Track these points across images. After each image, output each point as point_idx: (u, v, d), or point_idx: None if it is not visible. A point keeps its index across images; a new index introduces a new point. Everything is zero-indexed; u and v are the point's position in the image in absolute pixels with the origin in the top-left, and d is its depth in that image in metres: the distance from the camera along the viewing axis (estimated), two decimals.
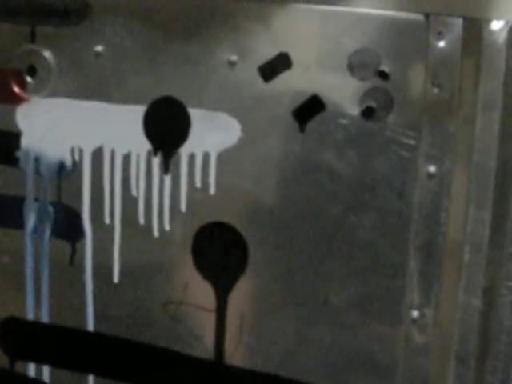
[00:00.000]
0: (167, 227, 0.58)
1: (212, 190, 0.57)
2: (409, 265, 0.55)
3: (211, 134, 0.56)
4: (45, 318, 0.64)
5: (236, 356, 0.58)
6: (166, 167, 0.58)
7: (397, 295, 0.55)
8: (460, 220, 0.54)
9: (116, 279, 0.61)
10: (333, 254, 0.55)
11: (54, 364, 0.65)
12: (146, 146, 0.58)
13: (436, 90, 0.53)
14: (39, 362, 0.65)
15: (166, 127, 0.57)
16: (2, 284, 0.65)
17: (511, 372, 0.55)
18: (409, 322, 0.55)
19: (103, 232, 0.60)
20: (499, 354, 0.55)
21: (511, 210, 0.54)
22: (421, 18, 0.53)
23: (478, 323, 0.55)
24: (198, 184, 0.57)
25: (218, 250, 0.57)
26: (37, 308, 0.64)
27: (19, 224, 0.63)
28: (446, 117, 0.53)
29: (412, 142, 0.53)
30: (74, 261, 0.62)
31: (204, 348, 0.59)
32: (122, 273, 0.60)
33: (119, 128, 0.58)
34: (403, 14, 0.53)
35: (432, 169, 0.54)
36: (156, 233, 0.59)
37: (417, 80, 0.53)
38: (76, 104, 0.59)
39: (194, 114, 0.56)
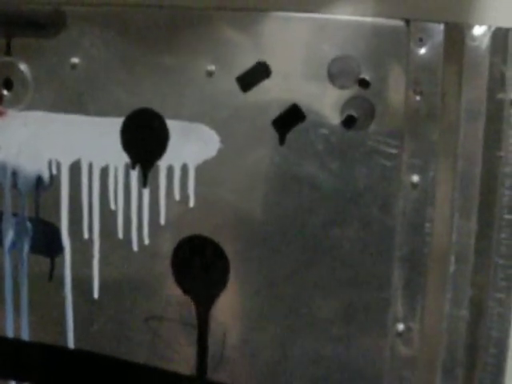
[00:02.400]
0: (146, 241, 0.57)
1: (191, 203, 0.56)
2: (393, 276, 0.54)
3: (190, 145, 0.55)
4: (25, 335, 0.63)
5: (218, 371, 0.57)
6: (144, 180, 0.57)
7: (382, 308, 0.54)
8: (445, 230, 0.53)
9: (96, 294, 0.59)
10: (316, 266, 0.54)
11: (35, 382, 0.63)
12: (123, 158, 0.57)
13: (418, 98, 0.52)
14: (20, 380, 0.64)
15: (144, 139, 0.56)
16: None
17: None
18: (394, 334, 0.54)
19: (82, 246, 0.59)
20: (487, 366, 0.54)
21: (497, 219, 0.53)
22: (401, 24, 0.52)
23: (465, 335, 0.54)
24: (177, 197, 0.56)
25: (199, 264, 0.56)
26: (16, 324, 0.63)
27: None
28: (429, 125, 0.52)
29: (394, 150, 0.52)
30: (53, 276, 0.60)
31: (186, 364, 0.58)
32: (101, 288, 0.59)
33: (97, 141, 0.57)
34: (383, 21, 0.52)
35: (415, 178, 0.53)
36: (135, 247, 0.58)
37: (398, 88, 0.52)
38: (53, 117, 0.58)
39: (173, 125, 0.55)
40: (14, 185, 0.60)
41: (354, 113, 0.53)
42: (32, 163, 0.59)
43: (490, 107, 0.52)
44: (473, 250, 0.53)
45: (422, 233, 0.53)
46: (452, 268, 0.53)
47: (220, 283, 0.56)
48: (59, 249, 0.60)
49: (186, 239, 0.56)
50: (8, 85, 0.59)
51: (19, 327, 0.62)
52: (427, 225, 0.53)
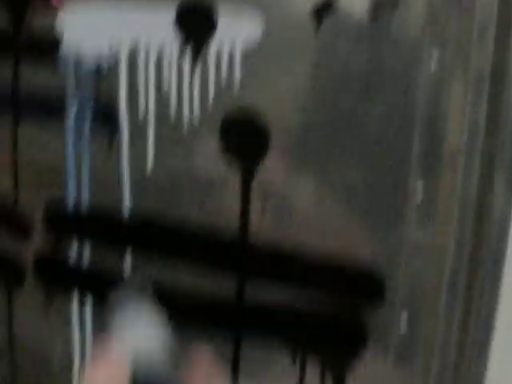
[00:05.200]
0: (197, 116, 0.65)
1: (237, 82, 0.63)
2: (413, 150, 0.61)
3: (237, 29, 0.62)
4: (86, 202, 0.71)
5: (259, 235, 0.65)
6: (195, 62, 0.64)
7: (402, 177, 0.61)
8: (459, 108, 0.60)
9: (150, 165, 0.67)
10: (346, 140, 0.62)
11: (95, 243, 0.72)
12: (177, 43, 0.64)
13: None
14: (80, 241, 0.73)
15: (196, 22, 0.63)
16: (46, 172, 0.73)
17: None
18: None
19: (138, 125, 0.67)
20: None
21: (505, 103, 0.60)
22: None
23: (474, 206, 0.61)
24: (225, 76, 0.63)
25: (243, 135, 0.64)
26: (78, 193, 0.71)
27: (61, 117, 0.70)
28: (447, 16, 0.59)
29: (417, 36, 0.59)
30: (112, 150, 0.69)
31: (229, 228, 0.66)
32: (156, 159, 0.67)
33: (153, 26, 0.64)
34: None
35: (435, 62, 0.59)
36: (187, 122, 0.65)
37: None
38: (112, 5, 0.65)
39: (223, 8, 0.62)
40: (77, 69, 0.68)
41: (380, 3, 0.59)
42: (93, 51, 0.67)
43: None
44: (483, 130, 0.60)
45: (439, 110, 0.60)
46: (463, 144, 0.60)
47: (262, 152, 0.63)
48: (118, 126, 0.68)
49: (232, 113, 0.64)
50: None
51: (80, 194, 0.71)
52: (444, 105, 0.60)
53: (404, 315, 0.63)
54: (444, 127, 0.59)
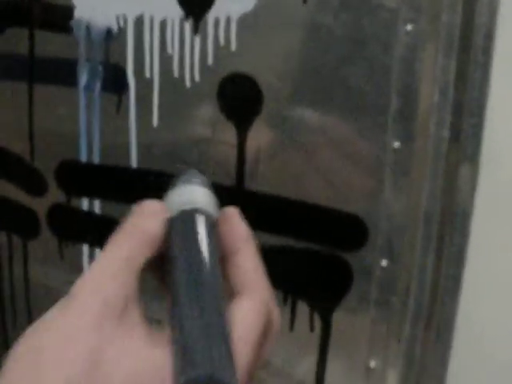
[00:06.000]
0: (197, 78, 0.72)
1: (233, 47, 0.70)
2: (391, 105, 0.68)
3: (232, 1, 0.69)
4: (96, 160, 0.78)
5: (253, 182, 0.73)
6: (195, 29, 0.71)
7: (382, 130, 0.68)
8: (431, 67, 0.67)
9: (155, 123, 0.75)
10: (331, 98, 0.69)
11: (104, 197, 0.79)
12: (179, 12, 0.71)
13: None
14: (91, 196, 0.80)
15: None
16: (59, 132, 0.80)
17: None
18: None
19: (144, 84, 0.74)
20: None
21: (472, 61, 0.67)
22: None
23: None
24: (222, 42, 0.71)
25: (239, 95, 0.71)
26: (89, 151, 0.79)
27: (73, 81, 0.77)
28: None
29: (394, 5, 0.66)
30: (120, 110, 0.76)
31: (227, 177, 0.73)
32: (160, 118, 0.74)
33: None
34: None
35: (409, 27, 0.67)
36: (188, 83, 0.73)
37: None
38: None
39: None
40: (88, 36, 0.75)
41: None
42: (103, 17, 0.74)
43: None
44: (452, 87, 0.68)
45: (413, 70, 0.67)
46: (435, 99, 0.68)
47: (256, 110, 0.71)
48: (126, 87, 0.75)
49: (229, 75, 0.71)
50: None
51: (91, 152, 0.78)
52: (417, 64, 0.67)
53: (384, 261, 0.70)
54: (417, 87, 0.67)
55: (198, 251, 0.41)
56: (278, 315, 0.46)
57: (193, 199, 0.42)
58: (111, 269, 0.41)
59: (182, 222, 0.42)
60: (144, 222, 0.43)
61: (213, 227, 0.42)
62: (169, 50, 0.72)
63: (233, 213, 0.44)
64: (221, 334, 0.40)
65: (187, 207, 0.41)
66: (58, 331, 0.41)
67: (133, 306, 0.41)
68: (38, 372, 0.39)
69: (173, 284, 0.41)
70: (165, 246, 0.42)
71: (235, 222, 0.45)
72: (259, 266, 0.46)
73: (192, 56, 0.71)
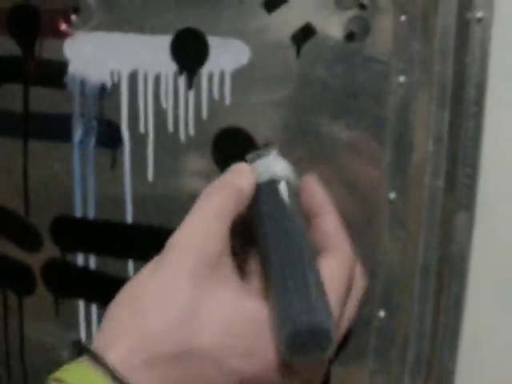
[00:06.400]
0: (192, 133, 0.73)
1: (228, 101, 0.71)
2: (385, 157, 0.68)
3: (226, 56, 0.70)
4: (91, 214, 0.78)
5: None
6: (189, 84, 0.72)
7: (377, 182, 0.69)
8: (425, 118, 0.68)
9: (150, 178, 0.75)
10: (325, 151, 0.69)
11: (100, 253, 0.79)
12: (172, 67, 0.72)
13: (403, 18, 0.67)
14: (87, 252, 0.79)
15: (189, 52, 0.71)
16: (54, 188, 0.80)
17: None
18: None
19: (139, 139, 0.74)
20: None
21: (465, 111, 0.68)
22: None
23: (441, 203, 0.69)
24: (216, 97, 0.71)
25: (234, 149, 0.71)
26: (84, 206, 0.78)
27: (68, 137, 0.77)
28: (412, 39, 0.67)
29: (385, 58, 0.67)
30: (115, 165, 0.76)
31: None
32: (155, 172, 0.74)
33: (151, 54, 0.72)
34: None
35: (402, 79, 0.67)
36: (183, 137, 0.73)
37: (388, 9, 0.67)
38: (114, 36, 0.73)
39: (212, 40, 0.70)
40: (82, 91, 0.75)
41: (354, 29, 0.67)
42: (97, 73, 0.74)
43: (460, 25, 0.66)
44: (446, 136, 0.68)
45: (407, 120, 0.67)
46: (430, 148, 0.68)
47: None
48: (120, 142, 0.75)
49: (223, 130, 0.71)
50: (76, 11, 0.74)
51: (86, 207, 0.78)
52: (411, 114, 0.67)
53: (382, 311, 0.70)
54: (411, 138, 0.67)
55: (285, 214, 0.44)
56: (360, 272, 0.46)
57: (276, 169, 0.46)
58: (204, 222, 0.42)
59: (269, 189, 0.46)
60: (236, 179, 0.45)
61: (295, 195, 0.44)
62: (163, 104, 0.73)
63: (312, 181, 0.46)
64: (317, 285, 0.41)
65: (273, 176, 0.45)
66: (157, 282, 0.42)
67: (225, 258, 0.42)
68: (139, 316, 0.40)
69: (264, 242, 0.43)
70: (251, 207, 0.44)
71: (315, 188, 0.47)
72: (340, 227, 0.48)
73: (186, 110, 0.72)
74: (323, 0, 0.67)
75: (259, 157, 0.47)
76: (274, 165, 0.46)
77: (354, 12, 0.67)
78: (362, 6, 0.67)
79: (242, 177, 0.46)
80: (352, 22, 0.67)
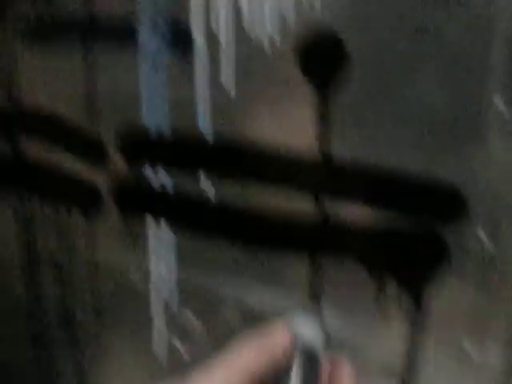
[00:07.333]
0: (278, 43, 0.65)
1: (318, 7, 0.62)
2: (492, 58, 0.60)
3: None
4: (160, 129, 0.72)
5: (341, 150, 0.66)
6: None
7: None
8: None
9: (233, 94, 0.68)
10: (426, 58, 0.61)
11: (171, 169, 0.73)
12: None
13: None
14: (155, 166, 0.74)
15: None
16: (119, 96, 0.74)
17: None
18: None
19: (212, 41, 0.67)
20: None
21: None
22: None
23: None
24: (305, 3, 0.63)
25: (322, 54, 0.64)
26: (154, 120, 0.72)
27: (135, 44, 0.70)
28: None
29: None
30: (186, 71, 0.69)
31: (308, 149, 0.66)
32: (237, 85, 0.67)
33: None
34: None
35: None
36: (265, 43, 0.65)
37: None
38: None
39: None
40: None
41: None
42: None
43: None
44: None
45: None
46: None
47: (339, 68, 0.63)
48: (191, 47, 0.68)
49: (311, 35, 0.64)
50: None
51: (156, 122, 0.72)
52: None
53: (483, 235, 0.63)
54: None
55: None
56: None
57: (310, 340, 0.46)
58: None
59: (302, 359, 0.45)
60: (270, 342, 0.45)
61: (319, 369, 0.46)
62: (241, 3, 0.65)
63: (344, 368, 0.46)
64: None
65: (306, 347, 0.46)
66: None
67: None
68: None
69: None
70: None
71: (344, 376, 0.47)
72: None
73: (261, 9, 0.64)
74: None
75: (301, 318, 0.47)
76: (308, 335, 0.46)
77: None
78: None
79: (277, 340, 0.45)
80: None
